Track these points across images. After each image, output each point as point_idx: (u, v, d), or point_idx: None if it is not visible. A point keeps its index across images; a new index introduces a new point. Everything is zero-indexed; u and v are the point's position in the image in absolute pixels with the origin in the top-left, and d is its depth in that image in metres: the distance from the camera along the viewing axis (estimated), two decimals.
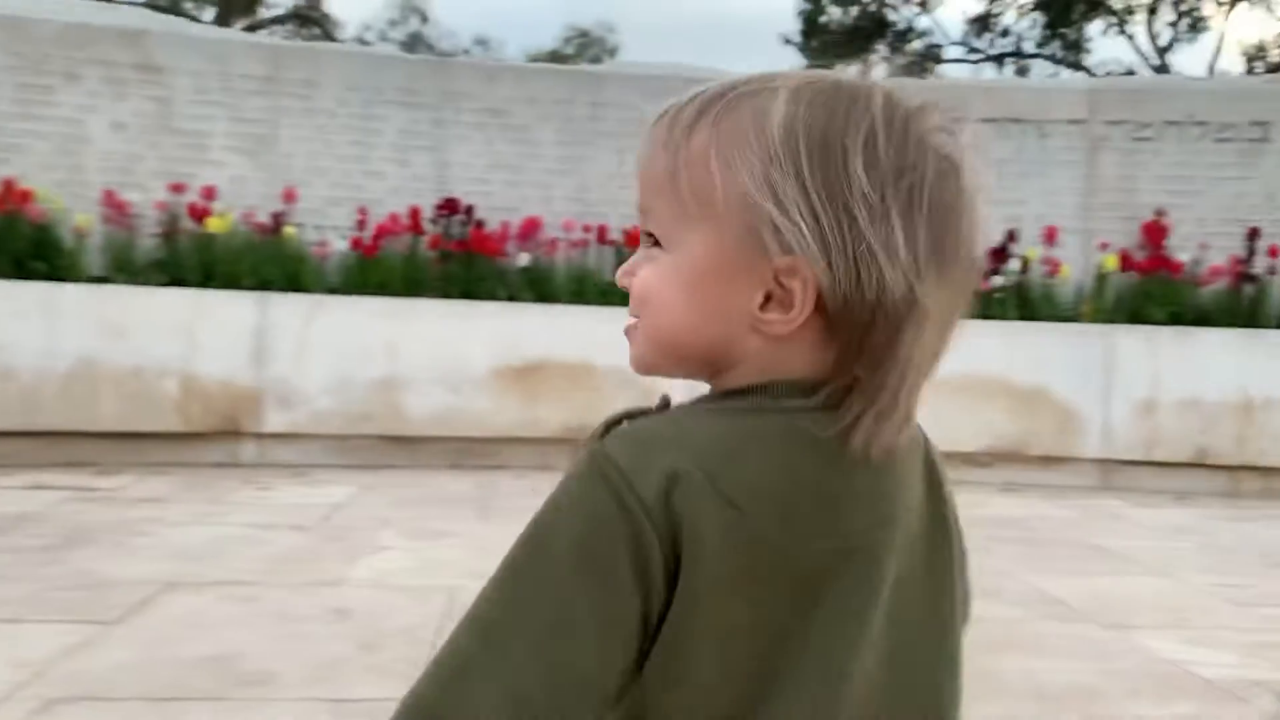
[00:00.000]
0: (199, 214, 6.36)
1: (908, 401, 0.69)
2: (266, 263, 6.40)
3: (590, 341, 6.41)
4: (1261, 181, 6.95)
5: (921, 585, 0.74)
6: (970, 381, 6.25)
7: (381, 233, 6.55)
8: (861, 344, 0.68)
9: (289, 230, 6.49)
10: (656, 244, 0.74)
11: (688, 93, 0.73)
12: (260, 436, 6.24)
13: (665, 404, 0.76)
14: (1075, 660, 3.01)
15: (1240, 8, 23.95)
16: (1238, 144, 6.99)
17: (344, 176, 6.90)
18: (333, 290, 6.53)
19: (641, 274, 0.74)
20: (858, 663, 0.69)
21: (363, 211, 6.65)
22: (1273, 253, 6.66)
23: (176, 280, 6.29)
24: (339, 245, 6.63)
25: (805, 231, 0.66)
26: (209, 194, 6.46)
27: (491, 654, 0.66)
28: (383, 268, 6.48)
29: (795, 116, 0.67)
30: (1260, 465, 6.36)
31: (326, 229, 6.85)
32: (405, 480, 5.86)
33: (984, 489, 6.13)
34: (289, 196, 6.62)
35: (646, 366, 0.78)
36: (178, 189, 6.42)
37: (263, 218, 6.64)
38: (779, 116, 0.67)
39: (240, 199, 6.71)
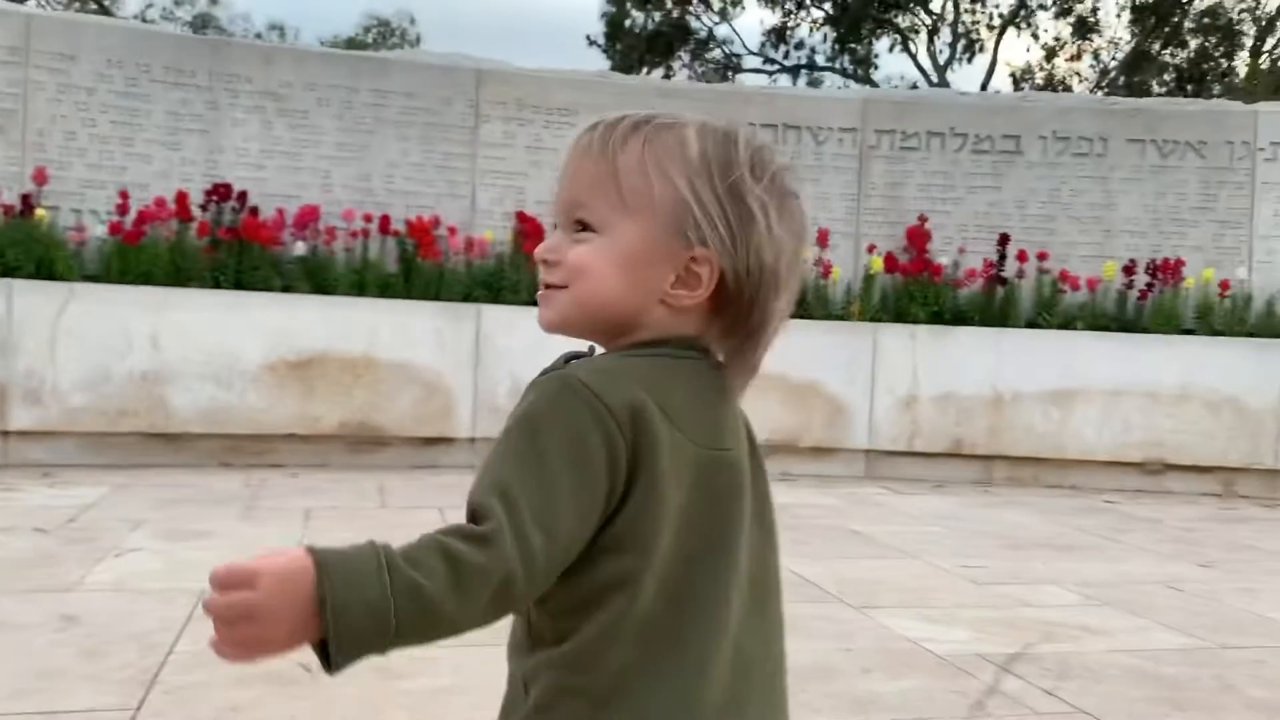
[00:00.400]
0: None
1: (765, 353, 0.97)
2: (13, 247, 5.92)
3: (372, 334, 6.26)
4: (1012, 190, 7.48)
5: (753, 491, 0.97)
6: None
7: (145, 218, 6.18)
8: (738, 316, 0.94)
9: (41, 213, 6.03)
10: (585, 229, 0.93)
11: (613, 115, 0.94)
12: (5, 434, 5.77)
13: (591, 351, 0.97)
14: (819, 640, 3.14)
15: (1010, 32, 25.71)
16: (992, 155, 7.49)
17: (104, 157, 6.47)
18: (90, 278, 6.11)
19: (577, 250, 0.92)
20: (745, 534, 0.94)
21: (124, 195, 6.25)
22: (1021, 257, 7.17)
23: None
24: (98, 230, 6.20)
25: (717, 227, 0.90)
26: None
27: (513, 513, 0.82)
28: (146, 255, 6.11)
29: (705, 145, 0.92)
30: (1010, 455, 6.84)
31: (84, 213, 6.41)
32: (167, 480, 5.55)
33: None
34: (40, 177, 6.15)
35: (562, 325, 0.97)
36: None
37: (10, 198, 6.15)
38: (695, 144, 0.92)
39: None
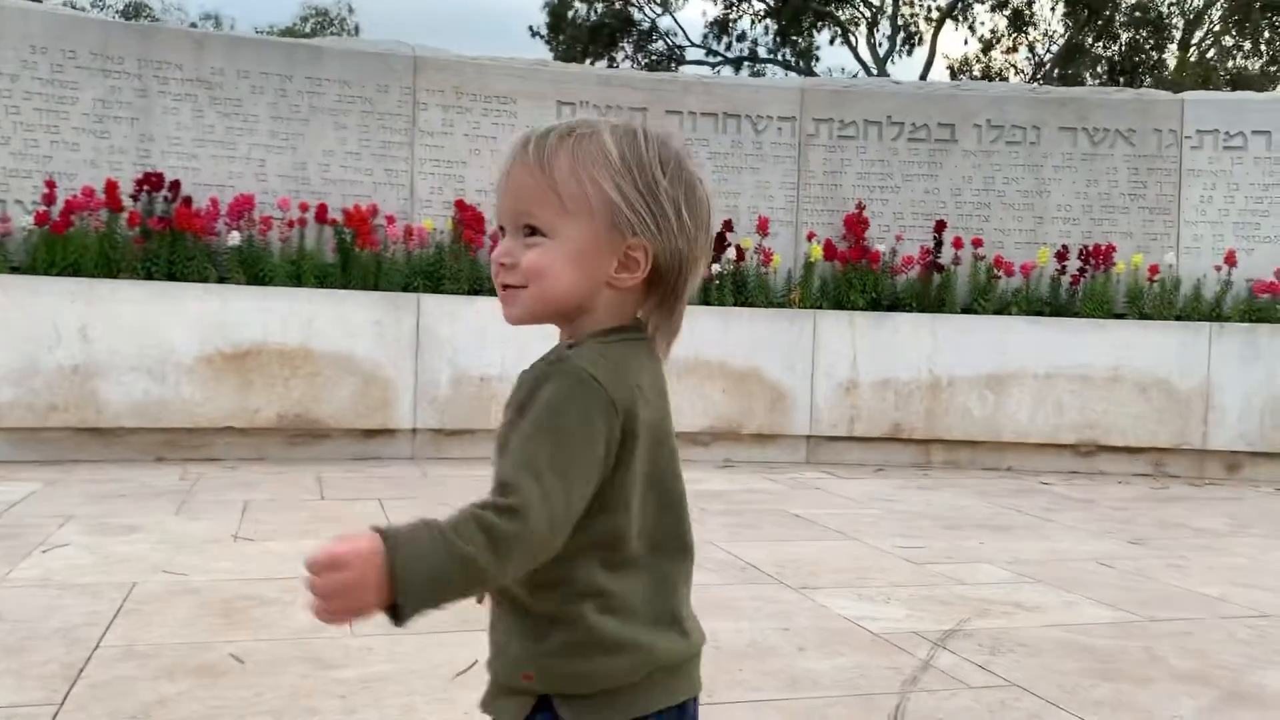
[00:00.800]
0: None
1: (680, 322, 1.13)
2: None
3: (309, 325, 6.18)
4: (948, 178, 7.57)
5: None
6: (694, 364, 6.48)
7: (73, 207, 6.03)
8: (666, 290, 1.11)
9: None
10: (534, 234, 1.07)
11: (540, 128, 1.09)
12: None
13: (635, 325, 1.12)
14: (757, 620, 3.17)
15: (947, 25, 26.03)
16: (929, 144, 7.58)
17: (29, 146, 6.30)
18: (16, 269, 5.95)
19: (530, 255, 1.07)
20: (680, 488, 1.13)
21: (51, 184, 6.09)
22: (957, 244, 7.27)
23: None
24: (23, 221, 6.04)
25: (645, 219, 1.06)
26: None
27: (539, 484, 0.98)
28: (74, 245, 5.97)
29: (622, 148, 1.07)
30: (947, 439, 6.94)
31: (9, 203, 6.24)
32: (100, 475, 5.44)
33: (703, 466, 6.37)
34: None
35: (528, 319, 1.11)
36: None
37: None
38: (614, 149, 1.06)
39: None
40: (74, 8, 22.69)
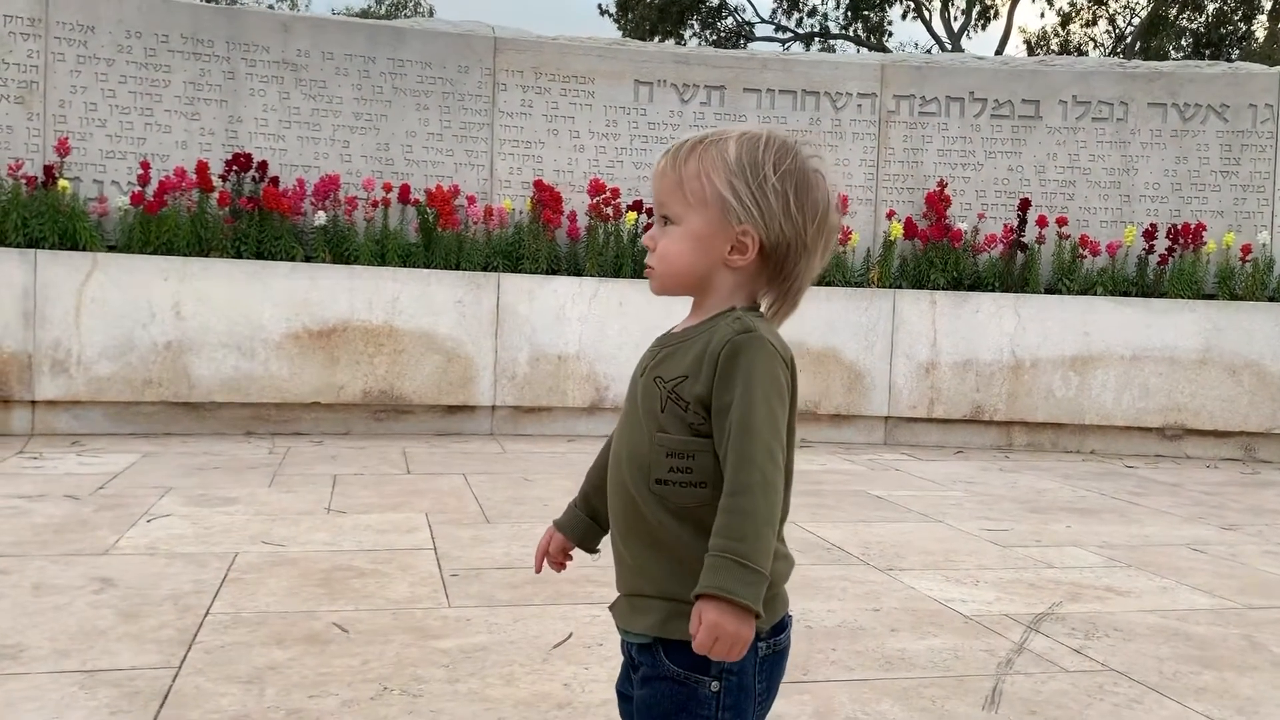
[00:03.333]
0: None
1: (799, 298, 1.31)
2: (37, 218, 5.95)
3: (393, 303, 6.29)
4: (1032, 156, 7.43)
5: None
6: None
7: (166, 188, 6.20)
8: (776, 271, 1.29)
9: (63, 184, 6.06)
10: (667, 222, 1.30)
11: (686, 137, 1.30)
12: (33, 404, 5.83)
13: (754, 307, 1.30)
14: (846, 601, 3.17)
15: None
16: (1012, 120, 7.44)
17: (125, 128, 6.48)
18: (113, 248, 6.14)
19: (663, 240, 1.29)
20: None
21: (146, 165, 6.27)
22: (1041, 222, 7.13)
23: None
24: (120, 201, 6.23)
25: (750, 209, 1.24)
26: None
27: (770, 452, 1.18)
28: (168, 225, 6.14)
29: (740, 152, 1.26)
30: (1028, 421, 6.84)
31: (106, 184, 6.44)
32: (193, 448, 5.61)
33: None
34: (62, 148, 6.17)
35: (662, 291, 1.32)
36: None
37: (33, 170, 6.17)
38: (733, 152, 1.26)
39: (6, 149, 6.21)
40: None
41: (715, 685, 1.23)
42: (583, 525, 1.45)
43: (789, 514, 1.28)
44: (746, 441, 1.17)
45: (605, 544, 1.44)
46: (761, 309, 1.31)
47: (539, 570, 1.49)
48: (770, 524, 1.16)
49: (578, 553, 1.47)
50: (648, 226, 6.82)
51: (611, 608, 1.35)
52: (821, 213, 1.29)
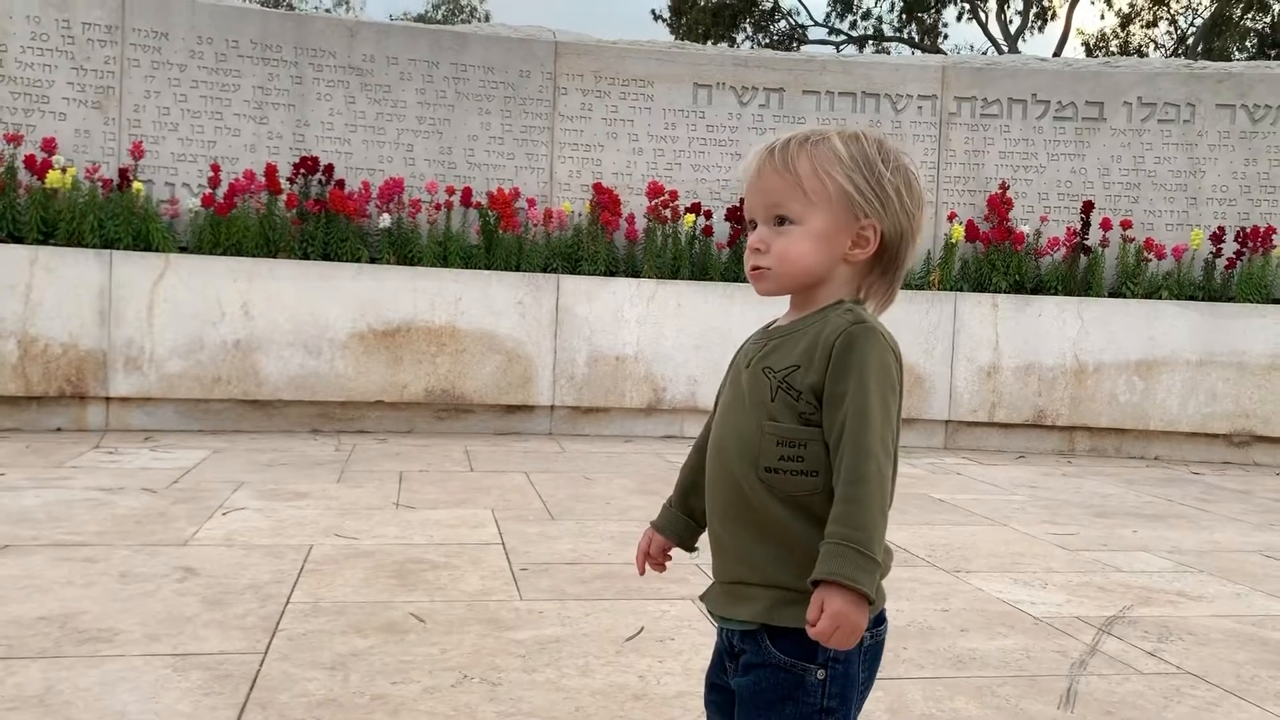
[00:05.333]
0: (39, 167, 6.03)
1: (896, 293, 1.36)
2: (112, 220, 6.12)
3: (455, 304, 6.37)
4: (1096, 158, 7.34)
5: None
6: None
7: (236, 190, 6.34)
8: (889, 260, 1.32)
9: (138, 186, 6.22)
10: (782, 222, 1.29)
11: (781, 137, 1.31)
12: (108, 400, 5.99)
13: (859, 300, 1.32)
14: (915, 601, 3.17)
15: (1082, 0, 25.07)
16: (1075, 122, 7.36)
17: (196, 132, 6.64)
18: (184, 249, 6.29)
19: (781, 240, 1.29)
20: None
21: (216, 168, 6.42)
22: (1105, 225, 7.05)
23: (13, 236, 5.97)
24: (190, 203, 6.38)
25: (873, 202, 1.27)
26: (49, 146, 6.13)
27: (884, 442, 1.20)
28: (237, 227, 6.28)
29: (850, 148, 1.28)
30: (1092, 426, 6.76)
31: (177, 186, 6.60)
32: (261, 444, 5.72)
33: None
34: (137, 151, 6.33)
35: (776, 292, 1.32)
36: (13, 140, 6.08)
37: (108, 173, 6.35)
38: (844, 150, 1.28)
39: (84, 153, 6.40)
40: None
41: (821, 674, 1.24)
42: (680, 524, 1.46)
43: (892, 502, 1.30)
44: (863, 432, 1.19)
45: (702, 541, 1.45)
46: (864, 300, 1.33)
47: (642, 573, 1.50)
48: (884, 513, 1.19)
49: (676, 552, 1.49)
50: (707, 230, 6.92)
51: (703, 596, 1.37)
52: (922, 203, 1.33)
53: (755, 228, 1.33)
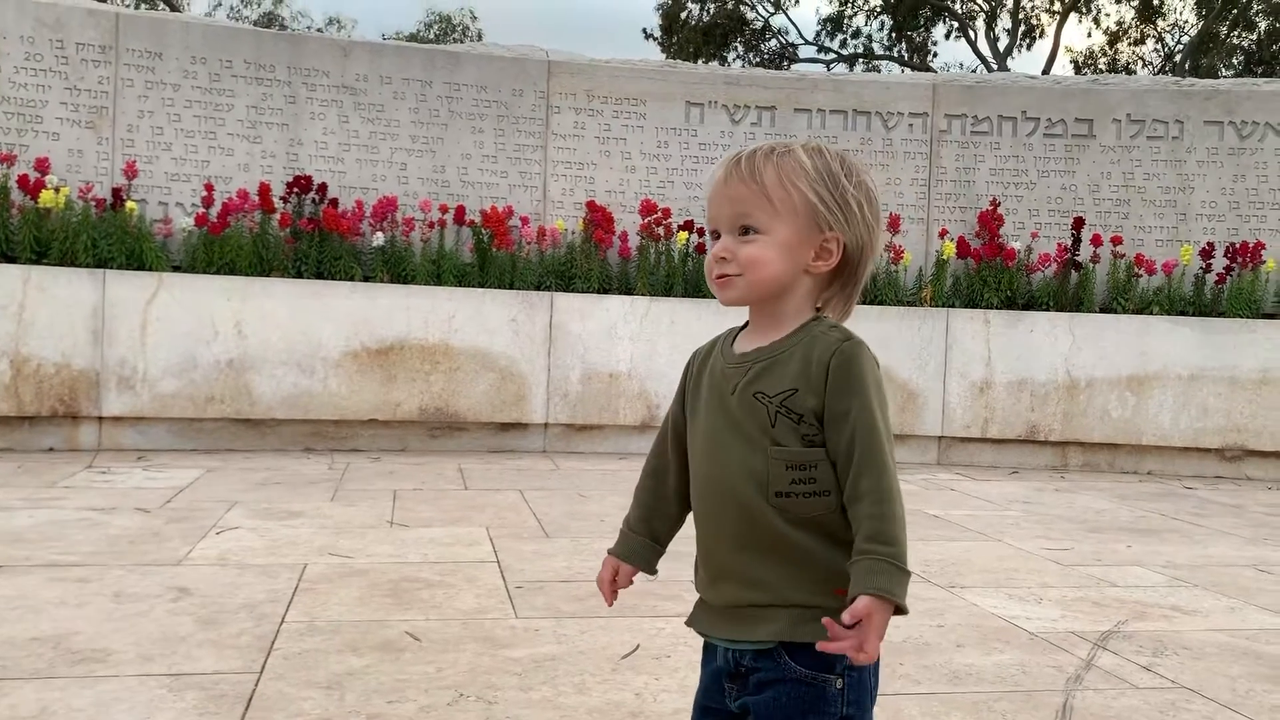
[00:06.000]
0: (32, 187, 6.04)
1: (853, 308, 1.36)
2: (106, 239, 6.12)
3: (449, 322, 6.37)
4: (1086, 174, 7.39)
5: None
6: None
7: (229, 210, 6.34)
8: (849, 275, 1.34)
9: (131, 205, 6.22)
10: (746, 232, 1.30)
11: (747, 150, 1.32)
12: (100, 420, 5.98)
13: (819, 311, 1.34)
14: (910, 617, 3.15)
15: (1071, 18, 25.29)
16: (1065, 139, 7.41)
17: (189, 151, 6.65)
18: (177, 268, 6.29)
19: (749, 249, 1.29)
20: None
21: (209, 188, 6.42)
22: (1096, 241, 7.09)
23: (6, 256, 5.97)
24: (184, 222, 6.38)
25: (837, 215, 1.29)
26: (42, 166, 6.14)
27: (892, 456, 1.24)
28: (230, 246, 6.28)
29: (814, 161, 1.30)
30: (1085, 441, 6.78)
31: (170, 205, 6.60)
32: (254, 463, 5.71)
33: None
34: (130, 171, 6.34)
35: (740, 300, 1.32)
36: (7, 160, 6.08)
37: (102, 192, 6.35)
38: (809, 162, 1.29)
39: (77, 172, 6.40)
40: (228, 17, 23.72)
41: (840, 683, 1.27)
42: (647, 550, 1.45)
43: None
44: (876, 449, 1.22)
45: (661, 564, 1.47)
46: (822, 312, 1.35)
47: (611, 604, 1.48)
48: (905, 526, 1.22)
49: (662, 567, 1.49)
50: (700, 248, 6.95)
51: (692, 622, 1.38)
52: (880, 219, 1.37)
53: (718, 238, 1.34)
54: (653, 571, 1.46)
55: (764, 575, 1.28)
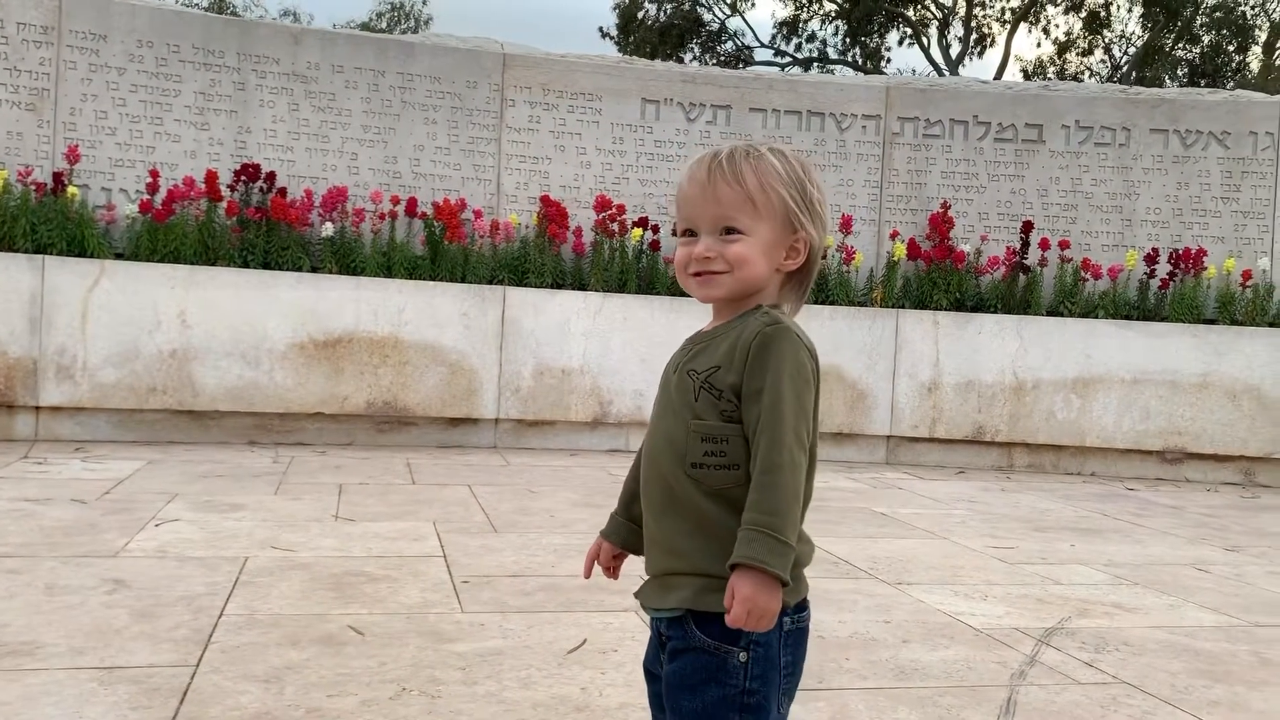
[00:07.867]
0: None
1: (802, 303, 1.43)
2: (45, 225, 5.97)
3: (399, 315, 6.30)
4: (1035, 179, 7.49)
5: None
6: None
7: (175, 197, 6.21)
8: (806, 274, 1.40)
9: (72, 191, 6.07)
10: (731, 232, 1.35)
11: (721, 152, 1.37)
12: (38, 409, 5.83)
13: (775, 307, 1.37)
14: (857, 613, 3.18)
15: (1021, 28, 25.65)
16: (1015, 144, 7.50)
17: (134, 137, 6.50)
18: (120, 256, 6.15)
19: (735, 248, 1.34)
20: None
21: (155, 174, 6.29)
22: (1044, 245, 7.18)
23: None
24: (128, 209, 6.24)
25: (806, 217, 1.36)
26: None
27: (797, 435, 1.26)
28: (175, 234, 6.15)
29: (783, 164, 1.36)
30: (1030, 442, 6.86)
31: (114, 191, 6.45)
32: (196, 456, 5.60)
33: None
34: (72, 155, 6.19)
35: (724, 296, 1.37)
36: None
37: (42, 176, 6.19)
38: (779, 165, 1.36)
39: (16, 155, 6.24)
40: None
41: (744, 655, 1.30)
42: (626, 530, 1.51)
43: (812, 497, 1.36)
44: (776, 425, 1.25)
45: None
46: (778, 307, 1.40)
47: (588, 575, 1.55)
48: (797, 501, 1.26)
49: (631, 560, 1.53)
50: (654, 245, 6.93)
51: (638, 593, 1.41)
52: (827, 220, 1.45)
53: (690, 235, 1.38)
54: (639, 552, 1.50)
55: (681, 544, 1.33)
